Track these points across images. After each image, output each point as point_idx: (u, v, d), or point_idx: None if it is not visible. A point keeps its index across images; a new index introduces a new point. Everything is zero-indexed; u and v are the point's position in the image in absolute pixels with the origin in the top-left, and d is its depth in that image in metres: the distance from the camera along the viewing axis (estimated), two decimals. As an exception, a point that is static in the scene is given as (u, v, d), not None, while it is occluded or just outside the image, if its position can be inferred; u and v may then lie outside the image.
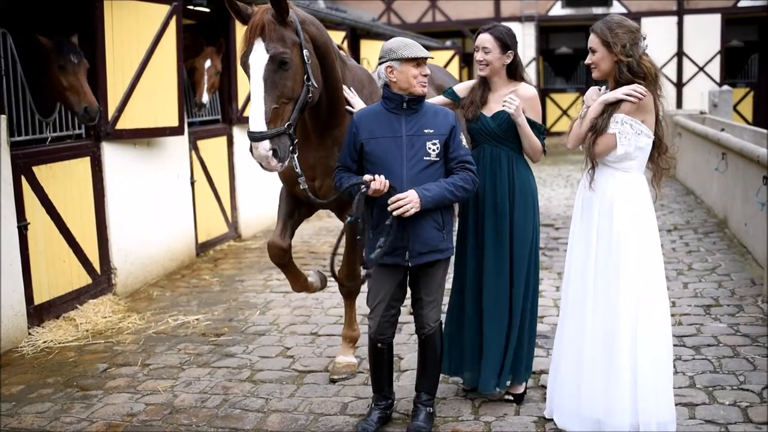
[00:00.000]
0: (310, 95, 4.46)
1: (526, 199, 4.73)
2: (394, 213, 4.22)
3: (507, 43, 4.66)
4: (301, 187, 4.63)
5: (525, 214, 4.72)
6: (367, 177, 4.26)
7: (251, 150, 4.28)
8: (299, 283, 5.55)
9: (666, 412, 4.22)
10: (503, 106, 4.59)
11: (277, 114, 4.28)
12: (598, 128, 4.20)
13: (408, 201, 4.20)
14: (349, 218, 4.31)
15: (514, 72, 4.75)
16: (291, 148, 4.35)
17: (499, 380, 4.82)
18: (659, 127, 4.29)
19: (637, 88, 4.13)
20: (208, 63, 9.59)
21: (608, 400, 4.20)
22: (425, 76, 4.36)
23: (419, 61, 4.34)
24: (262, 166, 4.31)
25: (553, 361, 4.57)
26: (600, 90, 4.39)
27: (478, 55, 4.73)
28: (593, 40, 4.26)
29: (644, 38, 4.25)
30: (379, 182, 4.22)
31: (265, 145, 4.22)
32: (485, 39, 4.70)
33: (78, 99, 6.90)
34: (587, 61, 4.33)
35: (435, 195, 4.26)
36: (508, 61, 4.70)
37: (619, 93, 4.16)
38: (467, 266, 4.80)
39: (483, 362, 4.81)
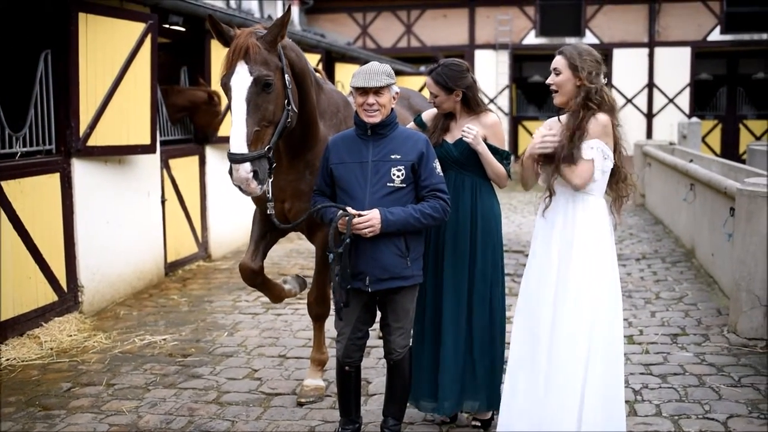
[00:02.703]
0: (289, 120, 4.49)
1: (489, 225, 4.75)
2: (353, 231, 4.21)
3: (448, 86, 4.68)
4: (268, 212, 4.64)
5: (487, 240, 4.74)
6: (349, 210, 4.24)
7: (231, 172, 4.27)
8: (275, 296, 5.63)
9: None
10: (462, 135, 4.62)
11: (258, 137, 4.30)
12: (574, 158, 4.19)
13: (367, 221, 4.19)
14: (330, 255, 4.28)
15: (471, 104, 4.76)
16: (268, 171, 4.36)
17: (456, 405, 4.82)
18: (618, 154, 4.33)
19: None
20: None
21: (563, 422, 4.17)
22: (371, 105, 4.30)
23: (366, 90, 4.30)
24: (240, 188, 4.31)
25: (509, 384, 4.44)
26: (559, 121, 4.38)
27: (431, 98, 4.80)
28: (560, 62, 4.24)
29: (605, 74, 4.31)
30: (367, 217, 4.21)
31: (246, 167, 4.22)
32: (429, 84, 4.75)
33: None
34: (549, 81, 4.29)
35: (398, 219, 4.23)
36: (458, 98, 4.73)
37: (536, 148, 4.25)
38: (425, 292, 4.77)
39: (439, 389, 4.79)
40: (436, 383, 4.82)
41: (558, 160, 4.20)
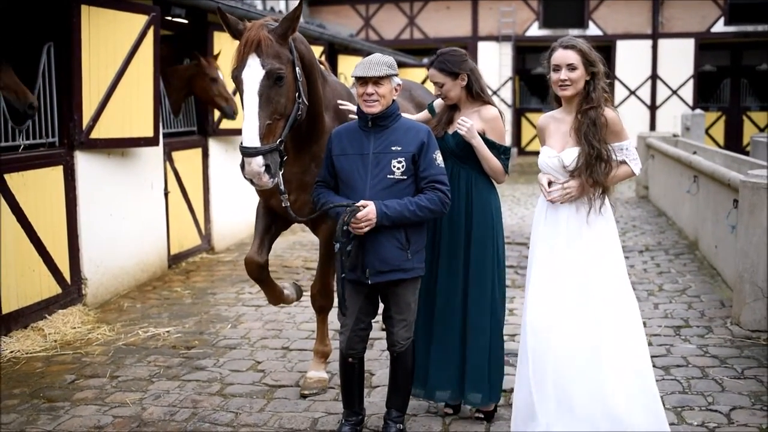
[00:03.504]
0: (300, 113, 4.49)
1: (486, 218, 4.75)
2: (352, 229, 4.22)
3: (453, 70, 4.69)
4: (283, 205, 4.64)
5: (484, 232, 4.74)
6: (359, 204, 4.25)
7: (243, 166, 4.26)
8: (275, 296, 5.59)
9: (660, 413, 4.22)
10: (457, 127, 4.62)
11: (270, 130, 4.30)
12: (589, 129, 4.17)
13: (364, 216, 4.20)
14: (336, 244, 4.28)
15: (474, 90, 4.76)
16: (280, 164, 4.36)
17: (457, 394, 4.85)
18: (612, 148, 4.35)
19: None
20: (220, 74, 9.57)
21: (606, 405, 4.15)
22: (370, 95, 4.31)
23: (366, 80, 4.32)
24: (252, 182, 4.31)
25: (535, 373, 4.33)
26: (560, 116, 4.39)
27: (436, 90, 4.77)
28: (574, 57, 4.19)
29: None
30: (365, 212, 4.21)
31: (259, 161, 4.22)
32: (435, 74, 4.73)
33: (17, 97, 6.88)
34: (563, 76, 4.20)
35: (393, 213, 4.23)
36: (464, 83, 4.73)
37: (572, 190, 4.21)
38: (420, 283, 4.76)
39: (429, 378, 4.84)
40: (427, 372, 4.85)
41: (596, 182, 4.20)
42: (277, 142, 4.32)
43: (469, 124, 4.58)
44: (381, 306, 4.61)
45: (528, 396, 4.27)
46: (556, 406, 4.17)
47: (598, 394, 4.11)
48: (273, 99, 4.31)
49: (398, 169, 4.32)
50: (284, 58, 4.39)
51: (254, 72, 4.29)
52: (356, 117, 4.58)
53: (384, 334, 4.82)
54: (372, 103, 4.33)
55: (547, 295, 4.26)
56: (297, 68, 4.49)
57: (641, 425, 4.11)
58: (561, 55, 4.23)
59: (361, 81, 4.33)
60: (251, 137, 4.22)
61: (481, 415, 4.93)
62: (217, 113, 10.17)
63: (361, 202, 4.25)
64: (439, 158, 4.41)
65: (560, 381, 4.18)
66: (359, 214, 4.20)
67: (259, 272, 5.36)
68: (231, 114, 9.63)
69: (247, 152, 4.22)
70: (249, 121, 4.24)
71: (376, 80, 4.31)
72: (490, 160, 4.68)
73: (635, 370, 4.17)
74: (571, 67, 4.20)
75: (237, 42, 4.44)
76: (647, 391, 4.19)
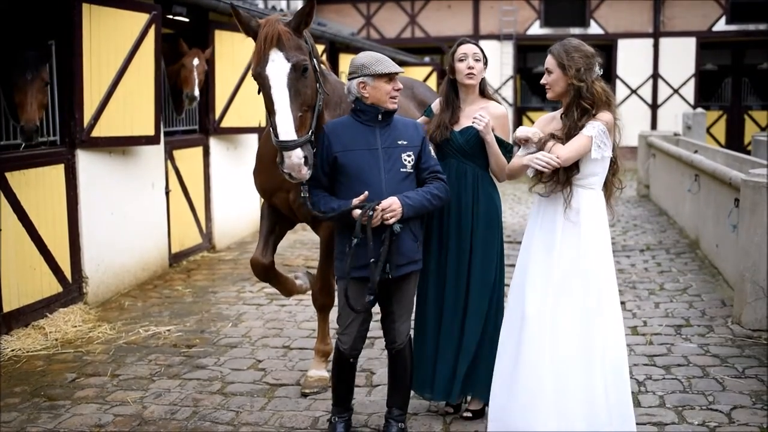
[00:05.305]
0: (320, 103, 4.53)
1: (491, 216, 4.76)
2: (376, 222, 4.20)
3: (485, 55, 4.82)
4: (303, 195, 4.49)
5: (489, 230, 4.75)
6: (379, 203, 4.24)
7: (282, 160, 4.26)
8: (287, 289, 5.67)
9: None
10: (473, 123, 4.62)
11: (302, 122, 4.33)
12: (572, 132, 4.20)
13: (391, 209, 4.20)
14: (354, 240, 4.23)
15: (483, 87, 4.83)
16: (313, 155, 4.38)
17: (459, 393, 4.86)
18: (614, 149, 4.33)
19: (543, 158, 4.14)
20: (196, 61, 9.56)
21: (590, 409, 4.17)
22: (398, 90, 4.38)
23: (392, 77, 4.35)
24: (291, 175, 4.30)
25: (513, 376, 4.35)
26: (554, 117, 4.43)
27: (470, 62, 4.72)
28: (550, 62, 4.31)
29: (600, 65, 4.32)
30: (389, 202, 4.23)
31: (299, 153, 4.23)
32: (474, 48, 4.77)
33: (25, 117, 6.73)
34: (542, 81, 4.37)
35: (415, 203, 4.29)
36: (484, 73, 4.81)
37: (532, 161, 4.20)
38: (429, 281, 4.78)
39: (436, 375, 4.84)
40: (434, 374, 4.85)
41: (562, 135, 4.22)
42: (309, 133, 4.34)
43: (486, 119, 4.59)
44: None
45: (521, 392, 4.28)
46: (554, 406, 4.19)
47: (589, 394, 4.16)
48: (301, 91, 4.34)
49: (408, 162, 4.39)
50: (305, 50, 4.42)
51: (280, 66, 4.29)
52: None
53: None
54: (396, 99, 4.40)
55: (544, 289, 4.28)
56: (314, 59, 4.52)
57: (612, 425, 4.16)
58: (545, 61, 4.38)
59: (387, 78, 4.34)
60: (287, 130, 4.23)
61: (470, 414, 4.90)
62: (218, 112, 10.17)
63: (384, 201, 4.24)
64: (432, 150, 4.57)
65: (559, 380, 4.20)
66: (383, 204, 4.19)
67: (265, 273, 5.40)
68: (188, 98, 9.60)
69: (287, 146, 4.22)
70: (282, 115, 4.25)
71: (396, 76, 4.39)
72: (499, 157, 4.69)
73: (616, 373, 4.21)
74: (548, 71, 4.33)
75: (248, 39, 4.44)
76: (623, 392, 4.23)
